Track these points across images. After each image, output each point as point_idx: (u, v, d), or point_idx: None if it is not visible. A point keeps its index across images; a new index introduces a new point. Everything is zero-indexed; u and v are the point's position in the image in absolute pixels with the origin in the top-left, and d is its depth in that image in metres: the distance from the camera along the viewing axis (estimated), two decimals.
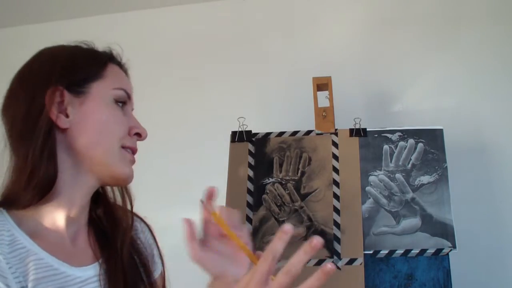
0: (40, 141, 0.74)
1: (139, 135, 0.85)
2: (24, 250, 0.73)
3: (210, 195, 0.79)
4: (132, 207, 0.89)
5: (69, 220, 0.79)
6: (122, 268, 0.82)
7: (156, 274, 0.92)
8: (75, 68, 0.80)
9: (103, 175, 0.81)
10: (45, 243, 0.75)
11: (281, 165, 1.37)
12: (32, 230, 0.75)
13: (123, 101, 0.84)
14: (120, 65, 0.88)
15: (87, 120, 0.79)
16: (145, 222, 0.95)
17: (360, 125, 1.38)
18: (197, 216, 1.82)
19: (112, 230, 0.86)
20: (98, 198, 0.87)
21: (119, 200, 0.88)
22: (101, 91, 0.80)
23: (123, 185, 0.86)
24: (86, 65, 0.81)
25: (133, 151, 0.84)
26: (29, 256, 0.72)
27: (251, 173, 1.37)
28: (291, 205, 1.33)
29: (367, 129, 1.38)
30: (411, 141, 1.35)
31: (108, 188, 0.88)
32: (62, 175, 0.77)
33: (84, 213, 0.83)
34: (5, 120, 0.79)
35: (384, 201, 1.30)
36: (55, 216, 0.78)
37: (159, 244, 0.99)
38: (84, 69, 0.81)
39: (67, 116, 0.77)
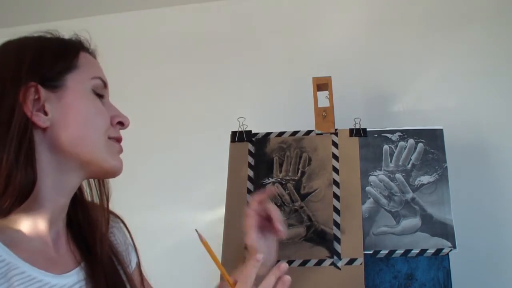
0: (15, 144, 0.68)
1: (122, 124, 0.81)
2: (4, 263, 0.67)
3: (262, 197, 0.96)
4: (108, 204, 0.85)
5: (50, 225, 0.75)
6: (103, 271, 0.80)
7: (132, 268, 0.90)
8: (46, 60, 0.74)
9: (92, 170, 0.77)
10: (25, 253, 0.70)
11: (281, 165, 1.37)
12: (9, 240, 0.70)
13: (101, 92, 0.79)
14: (90, 52, 0.82)
15: (68, 116, 0.73)
16: (119, 217, 0.91)
17: (360, 125, 1.38)
18: (196, 216, 1.83)
19: (89, 232, 0.83)
20: (75, 197, 0.82)
21: (95, 194, 0.85)
22: (78, 82, 0.76)
23: (112, 177, 0.82)
24: (57, 56, 0.75)
25: (119, 140, 0.81)
26: (11, 271, 0.67)
27: (251, 173, 1.37)
28: (291, 205, 1.32)
29: (367, 129, 1.38)
30: (411, 141, 1.35)
31: (83, 184, 0.85)
32: (44, 178, 0.72)
33: (63, 215, 0.79)
34: None
35: (384, 201, 1.30)
36: (36, 222, 0.73)
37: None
38: (56, 60, 0.75)
39: (45, 114, 0.72)
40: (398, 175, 1.32)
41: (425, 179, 1.30)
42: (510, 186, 1.58)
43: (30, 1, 1.90)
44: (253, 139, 1.42)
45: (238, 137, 1.42)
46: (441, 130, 1.35)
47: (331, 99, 1.39)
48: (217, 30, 1.92)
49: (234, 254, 1.28)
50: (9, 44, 0.77)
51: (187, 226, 1.79)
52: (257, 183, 1.36)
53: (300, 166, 1.37)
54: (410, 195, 1.30)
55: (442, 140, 1.34)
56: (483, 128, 1.63)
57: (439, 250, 1.22)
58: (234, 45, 1.89)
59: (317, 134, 1.39)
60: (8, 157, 0.68)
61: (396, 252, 1.24)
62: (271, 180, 1.36)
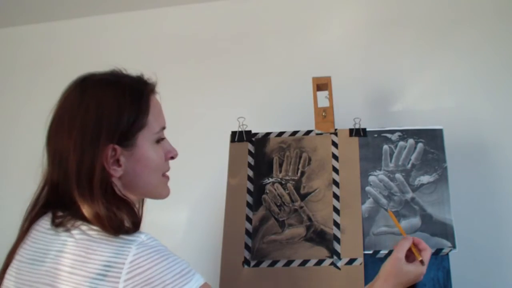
0: (102, 198, 0.78)
1: (172, 158, 0.93)
2: None
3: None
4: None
5: None
6: None
7: None
8: (123, 123, 0.83)
9: (146, 197, 0.92)
10: None
11: (281, 165, 1.38)
12: None
13: (162, 137, 0.91)
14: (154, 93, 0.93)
15: (137, 167, 0.85)
16: None
17: (360, 125, 1.38)
18: (196, 215, 1.82)
19: None
20: None
21: None
22: (146, 139, 0.86)
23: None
24: (132, 119, 0.84)
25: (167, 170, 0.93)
26: None
27: (251, 173, 1.37)
28: (291, 205, 1.33)
29: (367, 129, 1.38)
30: (410, 141, 1.35)
31: None
32: None
33: None
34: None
35: (384, 201, 1.30)
36: None
37: None
38: (132, 123, 0.84)
39: (119, 165, 0.83)
40: (398, 175, 1.32)
41: (425, 179, 1.30)
42: (510, 186, 1.58)
43: (30, 1, 1.90)
44: (253, 139, 1.42)
45: (238, 137, 1.42)
46: (441, 130, 1.35)
47: (330, 99, 1.39)
48: (217, 30, 1.92)
49: (234, 254, 1.28)
50: (86, 90, 0.84)
51: (186, 226, 1.80)
52: (257, 183, 1.36)
53: (300, 166, 1.37)
54: (410, 195, 1.30)
55: (442, 140, 1.34)
56: (483, 128, 1.63)
57: (439, 250, 1.22)
58: (234, 45, 1.89)
59: (317, 134, 1.39)
60: (106, 211, 0.78)
61: None
62: (271, 180, 1.36)
